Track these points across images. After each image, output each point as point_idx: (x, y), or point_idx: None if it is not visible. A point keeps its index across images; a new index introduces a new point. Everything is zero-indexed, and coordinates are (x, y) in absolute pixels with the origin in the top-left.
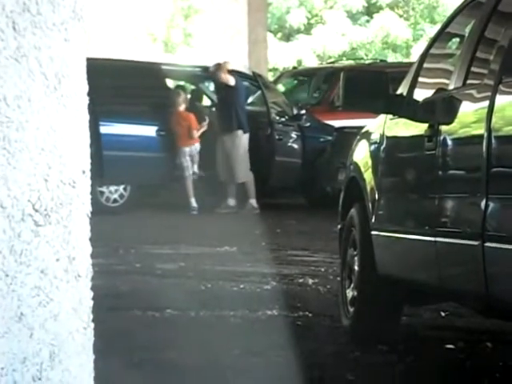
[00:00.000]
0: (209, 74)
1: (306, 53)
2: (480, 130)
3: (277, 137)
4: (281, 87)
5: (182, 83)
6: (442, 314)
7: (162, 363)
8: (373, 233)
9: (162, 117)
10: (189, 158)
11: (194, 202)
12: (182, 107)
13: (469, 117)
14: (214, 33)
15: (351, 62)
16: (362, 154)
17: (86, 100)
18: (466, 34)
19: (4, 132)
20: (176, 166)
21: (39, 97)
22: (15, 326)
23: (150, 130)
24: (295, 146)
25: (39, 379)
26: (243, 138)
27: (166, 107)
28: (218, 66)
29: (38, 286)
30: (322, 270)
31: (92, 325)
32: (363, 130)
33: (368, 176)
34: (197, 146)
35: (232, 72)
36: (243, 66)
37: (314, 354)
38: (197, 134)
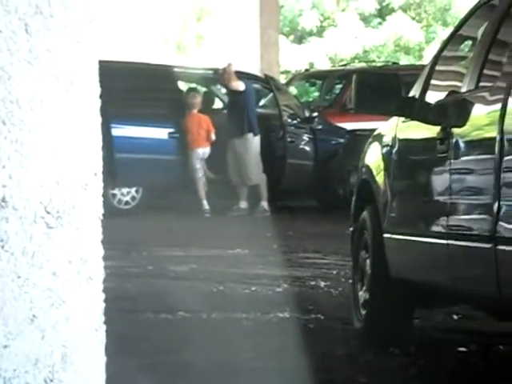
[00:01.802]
0: (218, 78)
1: (318, 55)
2: (492, 132)
3: (289, 139)
4: (293, 90)
5: (193, 86)
6: (455, 316)
7: (175, 365)
8: (385, 235)
9: (174, 119)
10: (200, 160)
11: (206, 205)
12: (196, 110)
13: (481, 119)
14: (226, 35)
15: (363, 65)
16: (374, 157)
17: (99, 102)
18: (479, 37)
19: (16, 134)
20: (188, 168)
21: (51, 99)
22: (27, 328)
23: (162, 133)
24: (307, 148)
25: (51, 381)
26: (254, 141)
27: (177, 109)
28: (224, 71)
29: (50, 288)
30: (334, 272)
31: (104, 327)
32: (375, 133)
33: (380, 178)
34: (208, 149)
35: (241, 74)
36: (255, 69)
37: (326, 357)
38: (214, 137)
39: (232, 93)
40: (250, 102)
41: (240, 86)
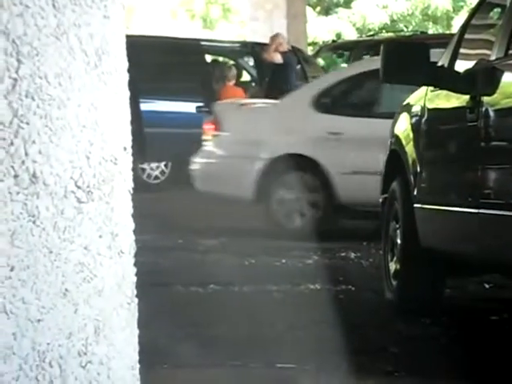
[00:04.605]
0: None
1: (346, 26)
2: None
3: None
4: (320, 61)
5: (220, 59)
6: (486, 285)
7: (206, 338)
8: (415, 205)
9: (203, 93)
10: None
11: None
12: (232, 82)
13: (511, 87)
14: (252, 8)
15: (391, 35)
16: (403, 127)
17: (127, 77)
18: (508, 4)
19: (46, 110)
20: None
21: (80, 74)
22: (60, 302)
23: (190, 107)
24: None
25: (85, 354)
26: None
27: (205, 84)
28: (268, 45)
29: (82, 263)
30: (364, 243)
31: (136, 300)
32: (404, 103)
33: (409, 149)
34: None
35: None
36: None
37: (357, 328)
38: None
39: (271, 67)
40: (290, 75)
41: (276, 58)
